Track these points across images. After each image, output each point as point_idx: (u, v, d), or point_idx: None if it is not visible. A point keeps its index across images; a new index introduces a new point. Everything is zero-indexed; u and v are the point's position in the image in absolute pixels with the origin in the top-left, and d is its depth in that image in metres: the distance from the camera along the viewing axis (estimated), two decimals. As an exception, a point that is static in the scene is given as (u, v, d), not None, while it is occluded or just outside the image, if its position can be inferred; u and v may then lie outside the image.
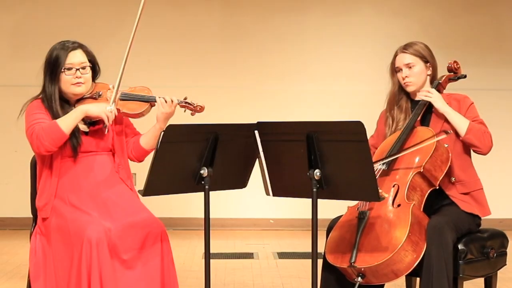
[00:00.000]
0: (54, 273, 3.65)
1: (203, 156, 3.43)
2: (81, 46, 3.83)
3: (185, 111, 3.88)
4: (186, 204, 7.37)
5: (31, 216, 3.91)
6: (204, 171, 3.43)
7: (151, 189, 3.39)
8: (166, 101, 3.80)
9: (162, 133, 3.30)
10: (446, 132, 3.80)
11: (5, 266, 5.99)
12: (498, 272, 4.05)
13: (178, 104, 3.84)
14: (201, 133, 3.42)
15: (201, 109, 3.87)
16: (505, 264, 4.09)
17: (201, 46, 8.02)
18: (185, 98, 3.87)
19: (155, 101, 3.81)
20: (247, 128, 3.42)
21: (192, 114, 3.89)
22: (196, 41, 8.02)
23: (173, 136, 3.33)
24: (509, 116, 7.99)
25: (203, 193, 3.45)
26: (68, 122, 3.63)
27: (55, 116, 3.73)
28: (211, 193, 3.46)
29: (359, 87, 7.96)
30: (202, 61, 8.02)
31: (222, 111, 7.64)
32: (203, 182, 3.45)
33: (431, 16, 8.05)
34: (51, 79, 3.76)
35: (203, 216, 3.45)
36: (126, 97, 3.82)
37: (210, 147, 3.43)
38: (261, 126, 3.40)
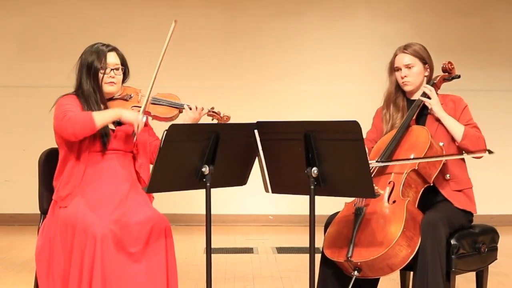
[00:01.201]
0: (62, 267, 3.66)
1: (205, 154, 3.43)
2: (115, 49, 3.91)
3: (212, 119, 3.94)
4: (188, 201, 7.37)
5: (39, 212, 3.92)
6: (206, 169, 3.43)
7: (154, 186, 3.40)
8: (196, 108, 3.88)
9: (165, 132, 3.31)
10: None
11: (14, 260, 6.00)
12: (489, 266, 4.06)
13: (207, 112, 3.91)
14: (202, 133, 3.42)
15: (228, 118, 3.96)
16: (496, 259, 4.09)
17: (203, 48, 8.03)
18: (212, 108, 3.95)
19: (184, 108, 3.88)
20: (247, 128, 3.42)
21: None
22: (198, 43, 8.02)
23: (176, 135, 3.34)
24: (500, 115, 8.00)
25: (204, 190, 3.45)
26: (103, 118, 3.67)
27: (91, 108, 3.77)
28: (212, 190, 3.47)
29: (355, 88, 7.97)
30: (203, 62, 8.03)
31: (223, 110, 7.63)
32: (204, 180, 3.45)
33: (425, 19, 8.05)
34: (88, 77, 3.81)
35: (204, 212, 3.45)
36: (156, 102, 3.90)
37: (211, 146, 3.43)
38: (261, 125, 3.40)
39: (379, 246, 3.53)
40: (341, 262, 3.64)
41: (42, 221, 3.86)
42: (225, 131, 3.46)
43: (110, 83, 3.84)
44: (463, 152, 3.84)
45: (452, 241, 3.78)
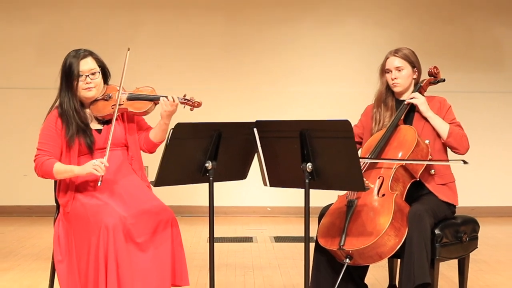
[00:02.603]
0: (75, 256, 3.65)
1: (208, 151, 3.42)
2: (91, 54, 3.80)
3: (184, 107, 3.84)
4: (193, 194, 7.36)
5: (54, 204, 3.91)
6: (209, 164, 3.42)
7: (161, 180, 3.39)
8: (168, 99, 3.75)
9: (172, 130, 3.29)
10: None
11: (32, 249, 5.99)
12: (470, 254, 4.06)
13: (179, 101, 3.81)
14: (206, 131, 3.41)
15: (199, 104, 3.81)
16: (477, 247, 4.09)
17: (206, 53, 8.01)
18: (184, 95, 3.81)
19: (158, 100, 3.77)
20: (247, 126, 3.41)
21: (191, 110, 3.82)
22: (201, 48, 8.00)
23: (181, 133, 3.33)
24: (479, 115, 7.99)
25: (207, 184, 3.44)
26: (61, 173, 3.67)
27: (68, 120, 3.72)
28: (214, 183, 3.46)
29: (346, 90, 7.95)
30: (206, 66, 8.01)
31: (224, 110, 7.63)
32: (207, 174, 3.44)
33: (411, 27, 8.03)
34: (66, 86, 3.76)
35: (207, 204, 3.44)
36: (132, 97, 3.79)
37: (214, 143, 3.42)
38: (260, 124, 3.39)
39: (369, 236, 3.52)
40: (333, 250, 3.63)
41: (58, 212, 3.85)
42: (226, 129, 3.45)
43: (87, 89, 3.74)
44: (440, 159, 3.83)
45: (436, 231, 3.78)
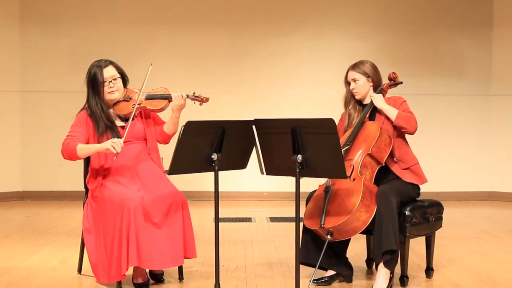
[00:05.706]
0: (102, 232, 3.67)
1: (214, 144, 3.43)
2: (111, 63, 3.87)
3: (194, 103, 3.90)
4: (201, 181, 7.36)
5: (84, 190, 3.92)
6: (214, 156, 3.43)
7: (174, 169, 3.40)
8: (181, 96, 3.85)
9: (183, 127, 3.31)
10: (347, 144, 3.84)
11: (64, 227, 6.00)
12: (436, 232, 4.07)
13: (188, 97, 3.86)
14: (212, 127, 3.42)
15: (207, 99, 3.91)
16: (441, 226, 4.11)
17: (211, 62, 8.00)
18: (194, 93, 3.90)
19: (171, 98, 3.83)
20: (247, 124, 3.42)
21: (200, 105, 3.92)
22: (207, 58, 7.99)
23: (191, 129, 3.34)
24: (444, 115, 7.98)
25: (213, 172, 3.45)
26: (83, 150, 3.68)
27: (97, 120, 3.76)
28: (219, 172, 3.47)
29: (331, 92, 7.91)
30: (212, 73, 8.00)
31: (228, 110, 7.63)
32: (213, 164, 3.45)
33: (385, 40, 8.03)
34: (93, 92, 3.81)
35: (213, 190, 3.45)
36: (149, 97, 3.86)
37: (219, 138, 3.43)
38: (258, 122, 3.40)
39: (344, 214, 3.57)
40: (316, 229, 3.66)
41: (86, 196, 3.86)
42: (229, 126, 3.46)
43: (111, 92, 3.81)
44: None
45: (407, 212, 3.79)
